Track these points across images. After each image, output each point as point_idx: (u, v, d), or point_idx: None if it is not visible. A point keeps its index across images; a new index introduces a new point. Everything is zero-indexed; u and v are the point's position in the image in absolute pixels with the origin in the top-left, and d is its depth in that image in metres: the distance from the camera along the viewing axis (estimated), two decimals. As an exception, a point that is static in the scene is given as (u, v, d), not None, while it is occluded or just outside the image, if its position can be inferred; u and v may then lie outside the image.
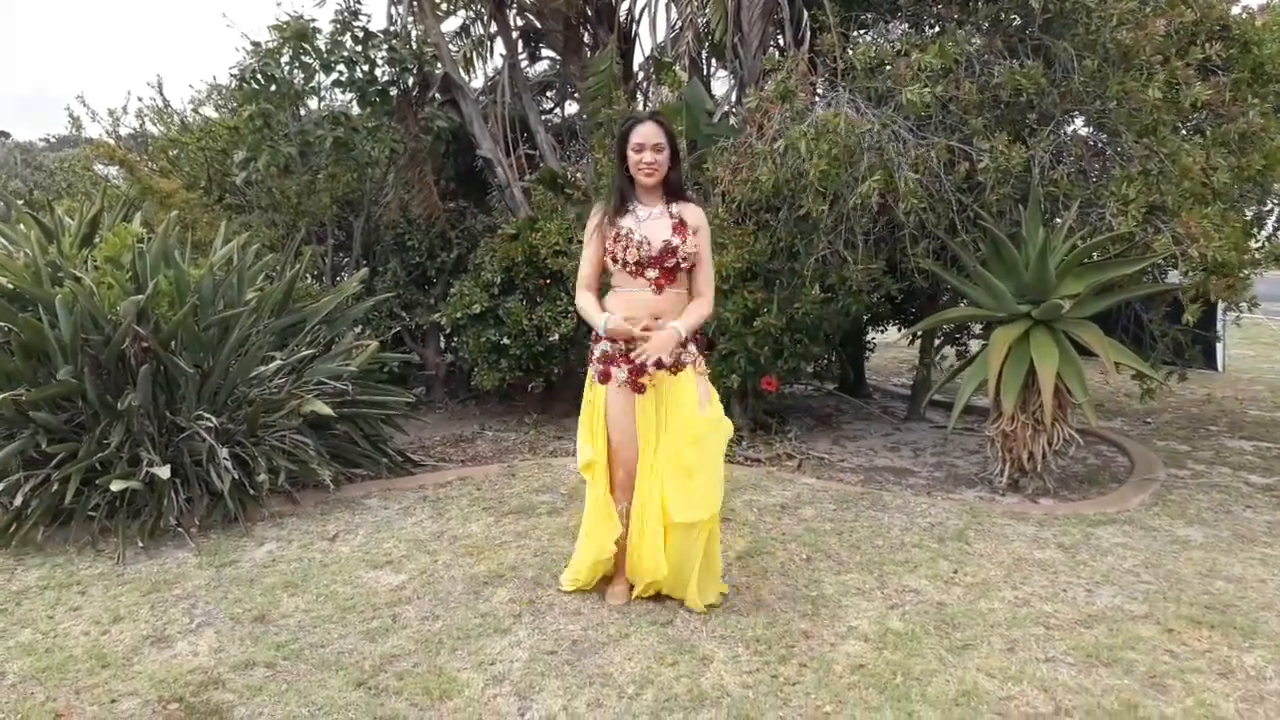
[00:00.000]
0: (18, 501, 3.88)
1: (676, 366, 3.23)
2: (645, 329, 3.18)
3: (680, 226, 3.22)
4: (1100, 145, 5.39)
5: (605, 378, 3.27)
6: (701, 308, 3.28)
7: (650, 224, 3.22)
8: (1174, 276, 5.12)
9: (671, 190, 3.30)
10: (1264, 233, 6.16)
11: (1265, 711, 2.66)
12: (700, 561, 3.26)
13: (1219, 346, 9.17)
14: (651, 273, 3.20)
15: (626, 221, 3.24)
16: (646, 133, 3.19)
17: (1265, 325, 12.55)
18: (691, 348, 3.29)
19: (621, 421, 3.26)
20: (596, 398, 3.33)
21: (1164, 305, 5.38)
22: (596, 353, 3.30)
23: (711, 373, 5.56)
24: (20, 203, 7.00)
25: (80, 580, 3.64)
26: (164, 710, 2.71)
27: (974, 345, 6.45)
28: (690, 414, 3.21)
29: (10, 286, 4.41)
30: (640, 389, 3.22)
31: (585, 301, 3.31)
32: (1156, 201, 4.82)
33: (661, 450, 3.22)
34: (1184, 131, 5.62)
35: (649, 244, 3.18)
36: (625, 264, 3.22)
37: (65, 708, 2.73)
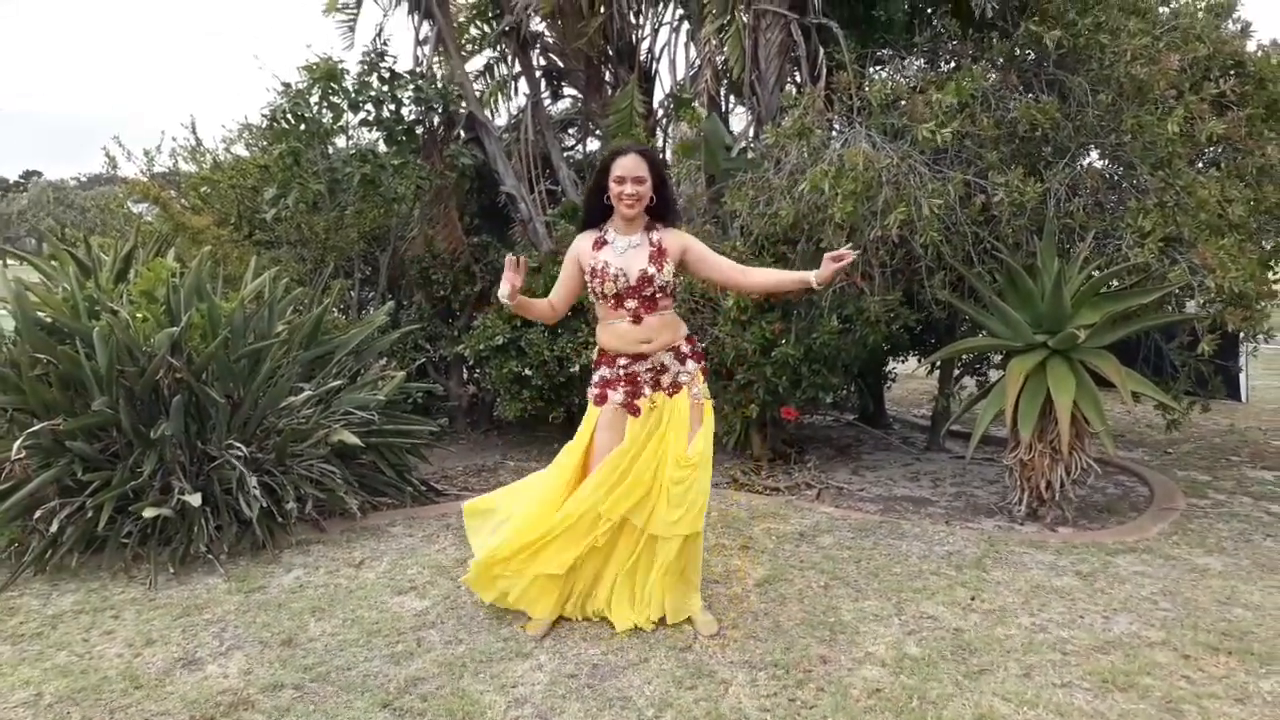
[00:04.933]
0: (53, 528, 3.98)
1: (674, 387, 3.37)
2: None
3: (658, 255, 3.32)
4: (1116, 178, 5.45)
5: (602, 399, 3.39)
6: (757, 273, 3.54)
7: (629, 255, 3.32)
8: (1192, 307, 5.14)
9: (657, 217, 3.39)
10: (1282, 265, 6.18)
11: (1281, 736, 2.67)
12: (669, 578, 3.39)
13: (1242, 377, 9.12)
14: (630, 303, 3.32)
15: (604, 254, 3.35)
16: (628, 165, 3.26)
17: (1290, 356, 12.45)
18: (691, 364, 3.43)
19: (608, 444, 3.36)
20: (588, 420, 3.44)
21: (1185, 335, 5.40)
22: (595, 376, 3.44)
23: (730, 401, 5.68)
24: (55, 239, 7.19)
25: (113, 605, 3.74)
26: (195, 730, 2.79)
27: (994, 375, 6.47)
28: (678, 451, 3.33)
29: (49, 319, 4.56)
30: (635, 411, 3.35)
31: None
32: (1173, 233, 4.87)
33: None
34: (1200, 165, 5.68)
35: (626, 275, 3.30)
36: (605, 297, 3.34)
37: (100, 727, 2.81)
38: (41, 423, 4.10)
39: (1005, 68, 5.48)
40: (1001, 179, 4.91)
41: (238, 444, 4.39)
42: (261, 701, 2.94)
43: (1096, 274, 4.79)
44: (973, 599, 3.72)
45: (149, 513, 4.02)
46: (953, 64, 6.00)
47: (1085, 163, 5.48)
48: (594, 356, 3.52)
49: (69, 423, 4.14)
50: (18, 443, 3.99)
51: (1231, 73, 5.43)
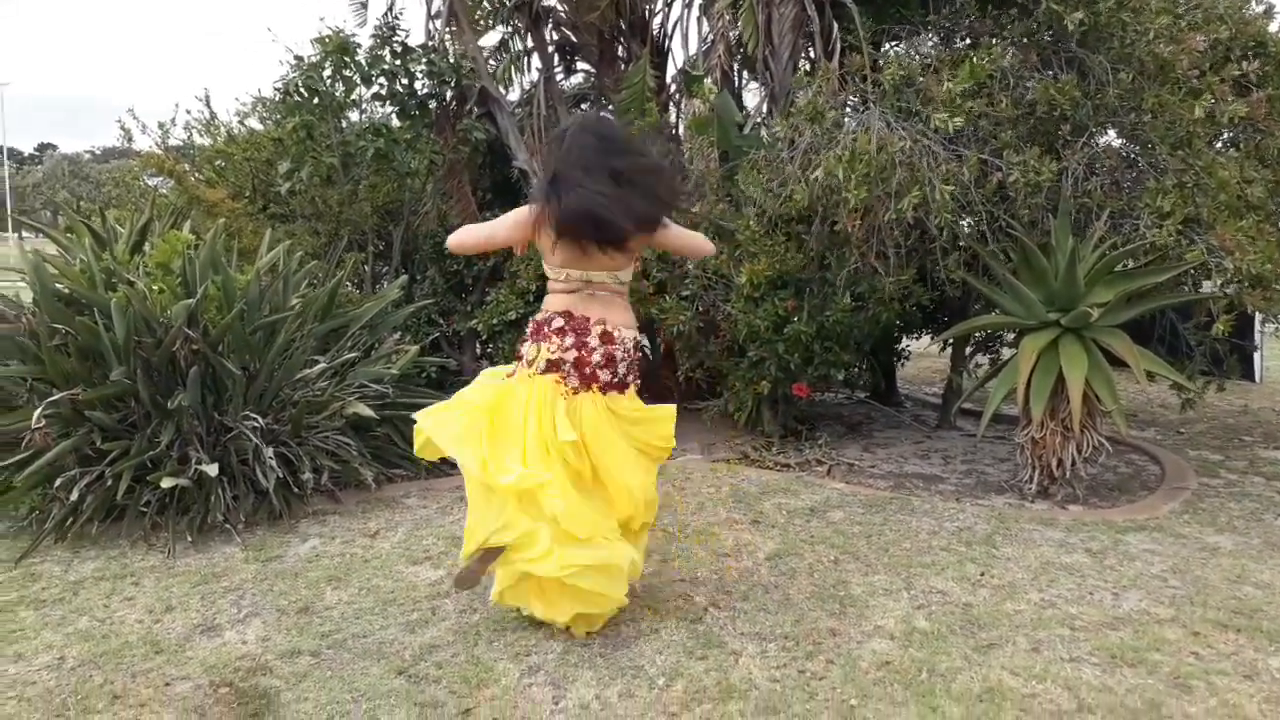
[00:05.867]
0: (74, 497, 4.03)
1: None
2: None
3: None
4: (1133, 157, 5.41)
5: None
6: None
7: None
8: (1209, 287, 5.12)
9: None
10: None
11: (1288, 712, 2.69)
12: None
13: (1256, 357, 9.08)
14: None
15: None
16: None
17: (1305, 338, 12.36)
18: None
19: None
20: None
21: (1202, 315, 5.38)
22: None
23: (742, 378, 5.69)
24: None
25: (133, 572, 3.79)
26: (215, 693, 2.84)
27: (1007, 354, 6.46)
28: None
29: (67, 291, 4.60)
30: None
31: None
32: (1191, 214, 4.84)
33: None
34: (1219, 145, 5.64)
35: None
36: None
37: (122, 690, 2.86)
38: (61, 392, 4.15)
39: (1025, 46, 5.43)
40: (1017, 159, 4.88)
41: (254, 415, 4.44)
42: (279, 667, 2.99)
43: (1111, 252, 4.77)
44: (982, 574, 3.74)
45: (167, 482, 4.07)
46: (968, 41, 5.95)
47: (1103, 142, 5.45)
48: (638, 341, 3.35)
49: (88, 393, 4.19)
50: (38, 412, 4.03)
51: (1253, 54, 5.37)
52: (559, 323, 3.13)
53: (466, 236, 3.31)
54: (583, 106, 9.20)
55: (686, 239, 3.35)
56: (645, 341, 3.30)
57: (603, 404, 3.14)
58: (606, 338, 3.14)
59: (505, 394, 3.17)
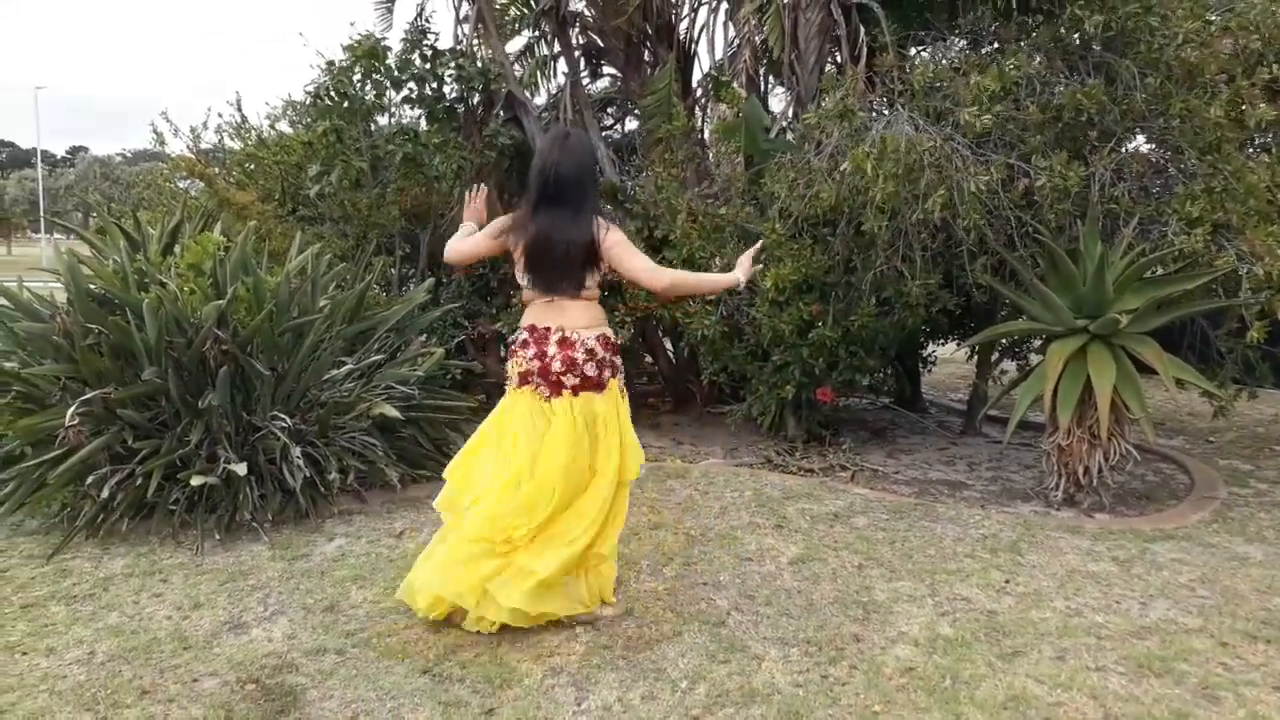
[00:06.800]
0: (105, 494, 4.09)
1: None
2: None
3: None
4: (1162, 162, 5.37)
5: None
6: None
7: None
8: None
9: None
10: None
11: (1319, 724, 2.65)
12: None
13: (1289, 366, 8.94)
14: None
15: None
16: None
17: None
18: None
19: None
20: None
21: (1233, 322, 5.32)
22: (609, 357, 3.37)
23: (766, 382, 5.69)
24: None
25: (162, 569, 3.84)
26: (241, 690, 2.87)
27: (1034, 360, 6.41)
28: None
29: (101, 291, 4.67)
30: None
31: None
32: (1220, 219, 4.79)
33: None
34: (1250, 150, 5.58)
35: None
36: None
37: (150, 685, 2.90)
38: (93, 391, 4.21)
39: (1051, 51, 5.40)
40: (1044, 163, 4.85)
41: (282, 415, 4.48)
42: (305, 665, 3.03)
43: (1140, 259, 4.73)
44: (1007, 582, 3.72)
45: (196, 481, 4.12)
46: (994, 45, 5.92)
47: (1131, 147, 5.40)
48: (605, 339, 3.36)
49: (120, 392, 4.24)
50: (71, 410, 4.10)
51: (1285, 59, 5.30)
52: (524, 337, 3.32)
53: (460, 249, 3.53)
54: (609, 111, 9.23)
55: (633, 269, 3.32)
56: (610, 334, 3.39)
57: (578, 407, 3.23)
58: (564, 343, 3.24)
59: (502, 411, 3.37)
